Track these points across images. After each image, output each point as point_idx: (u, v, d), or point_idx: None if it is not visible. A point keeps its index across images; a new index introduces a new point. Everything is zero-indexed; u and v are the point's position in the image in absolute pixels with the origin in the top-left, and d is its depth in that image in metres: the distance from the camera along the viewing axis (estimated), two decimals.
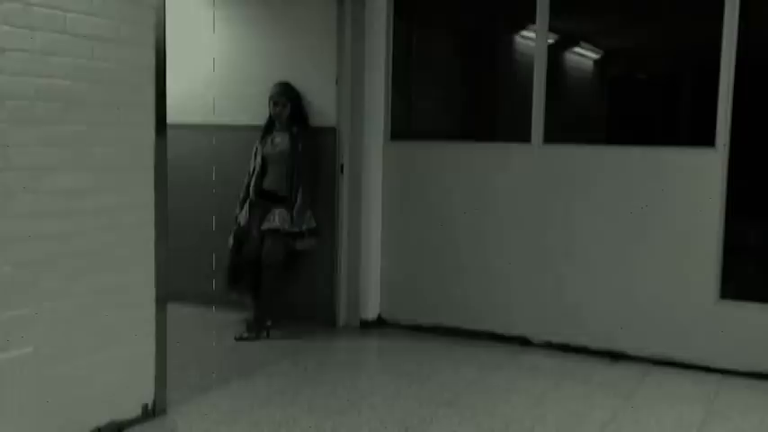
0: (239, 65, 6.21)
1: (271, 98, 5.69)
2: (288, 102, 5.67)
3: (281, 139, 5.66)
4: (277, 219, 5.49)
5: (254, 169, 5.72)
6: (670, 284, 5.13)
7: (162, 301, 4.00)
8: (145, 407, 3.96)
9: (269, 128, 5.76)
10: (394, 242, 5.96)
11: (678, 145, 5.29)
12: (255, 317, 5.54)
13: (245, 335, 5.44)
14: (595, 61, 6.80)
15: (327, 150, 5.83)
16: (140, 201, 3.87)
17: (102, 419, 3.73)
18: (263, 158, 5.70)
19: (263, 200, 5.62)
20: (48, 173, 3.41)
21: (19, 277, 3.29)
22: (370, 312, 5.98)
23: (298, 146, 5.60)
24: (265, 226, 5.51)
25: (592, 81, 6.89)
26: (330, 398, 4.41)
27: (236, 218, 5.71)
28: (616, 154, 5.32)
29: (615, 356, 5.25)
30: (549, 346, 5.48)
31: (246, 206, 5.66)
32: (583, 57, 6.71)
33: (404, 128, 6.02)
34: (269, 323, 5.53)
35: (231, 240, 5.69)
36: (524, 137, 5.50)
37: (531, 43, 5.51)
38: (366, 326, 5.94)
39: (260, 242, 5.54)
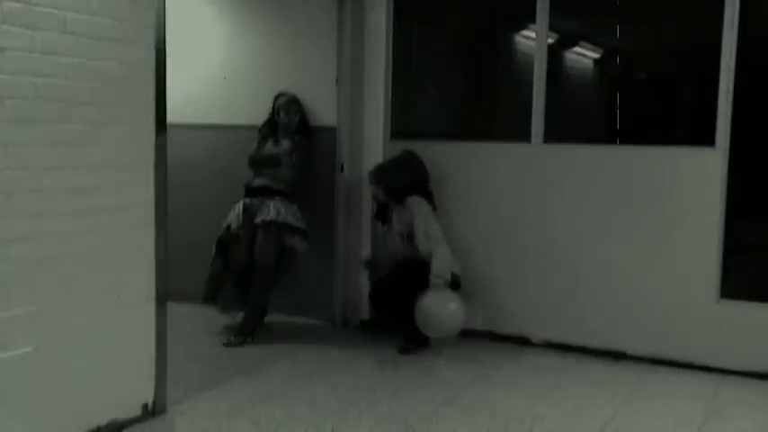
0: (239, 65, 6.21)
1: (280, 107, 5.69)
2: (298, 113, 5.71)
3: (283, 142, 5.65)
4: (272, 210, 5.48)
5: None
6: (670, 284, 5.13)
7: (162, 300, 4.00)
8: (145, 406, 3.96)
9: (271, 133, 5.74)
10: None
11: (678, 144, 5.29)
12: (242, 322, 5.52)
13: (233, 339, 5.42)
14: (595, 61, 6.81)
15: (327, 150, 5.83)
16: (140, 200, 3.87)
17: (103, 419, 3.73)
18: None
19: (254, 197, 5.59)
20: (48, 172, 3.41)
21: (19, 277, 3.29)
22: (370, 312, 5.98)
23: (299, 150, 5.61)
24: (259, 218, 5.49)
25: (592, 80, 6.89)
26: (330, 397, 4.41)
27: (227, 225, 5.66)
28: (616, 153, 5.33)
29: (615, 356, 5.26)
30: (549, 345, 5.48)
31: (240, 210, 5.62)
32: (583, 56, 6.71)
33: (404, 127, 6.02)
34: (253, 328, 5.50)
35: (214, 249, 5.68)
36: (524, 136, 5.50)
37: (531, 43, 5.51)
38: (365, 325, 5.94)
39: (250, 243, 5.53)
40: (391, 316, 5.48)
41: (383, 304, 5.48)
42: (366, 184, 5.85)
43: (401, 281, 5.27)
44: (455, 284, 5.35)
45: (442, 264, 5.21)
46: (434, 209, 5.47)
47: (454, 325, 5.20)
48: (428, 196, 5.48)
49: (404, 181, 5.45)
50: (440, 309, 5.14)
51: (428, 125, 6.49)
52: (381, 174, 5.53)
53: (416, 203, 5.35)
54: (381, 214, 5.61)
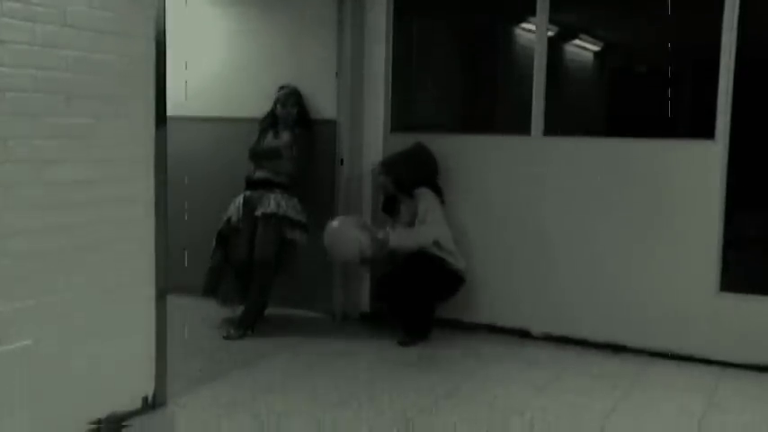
0: (241, 58, 6.20)
1: (279, 99, 5.69)
2: (296, 105, 5.70)
3: (283, 135, 5.65)
4: (273, 203, 5.48)
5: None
6: (670, 277, 5.14)
7: (162, 293, 4.01)
8: (145, 399, 3.97)
9: (271, 126, 5.74)
10: None
11: (678, 137, 5.29)
12: (242, 315, 5.53)
13: (233, 332, 5.42)
14: (595, 53, 6.80)
15: (327, 143, 5.82)
16: (141, 193, 3.86)
17: (103, 412, 3.73)
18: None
19: (254, 190, 5.60)
20: (48, 165, 3.40)
21: (19, 270, 3.29)
22: (370, 305, 5.98)
23: (299, 142, 5.61)
24: (260, 211, 5.48)
25: (592, 73, 6.89)
26: (330, 389, 4.42)
27: (227, 218, 5.66)
28: (616, 146, 5.33)
29: (615, 349, 5.26)
30: (549, 338, 5.49)
31: (240, 203, 5.62)
32: (583, 49, 6.70)
33: (404, 120, 6.02)
34: (253, 321, 5.50)
35: (214, 242, 5.68)
36: (524, 129, 5.50)
37: (531, 36, 5.50)
38: (365, 318, 5.95)
39: (250, 236, 5.53)
40: (394, 308, 5.48)
41: (387, 297, 5.49)
42: (366, 177, 5.85)
43: (407, 274, 5.27)
44: (458, 279, 5.37)
45: (407, 235, 5.28)
46: (443, 202, 5.48)
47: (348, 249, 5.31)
48: (437, 189, 5.49)
49: (413, 173, 5.47)
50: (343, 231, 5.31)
51: (429, 118, 6.48)
52: (391, 165, 5.54)
53: (425, 195, 5.36)
54: (389, 206, 5.62)
